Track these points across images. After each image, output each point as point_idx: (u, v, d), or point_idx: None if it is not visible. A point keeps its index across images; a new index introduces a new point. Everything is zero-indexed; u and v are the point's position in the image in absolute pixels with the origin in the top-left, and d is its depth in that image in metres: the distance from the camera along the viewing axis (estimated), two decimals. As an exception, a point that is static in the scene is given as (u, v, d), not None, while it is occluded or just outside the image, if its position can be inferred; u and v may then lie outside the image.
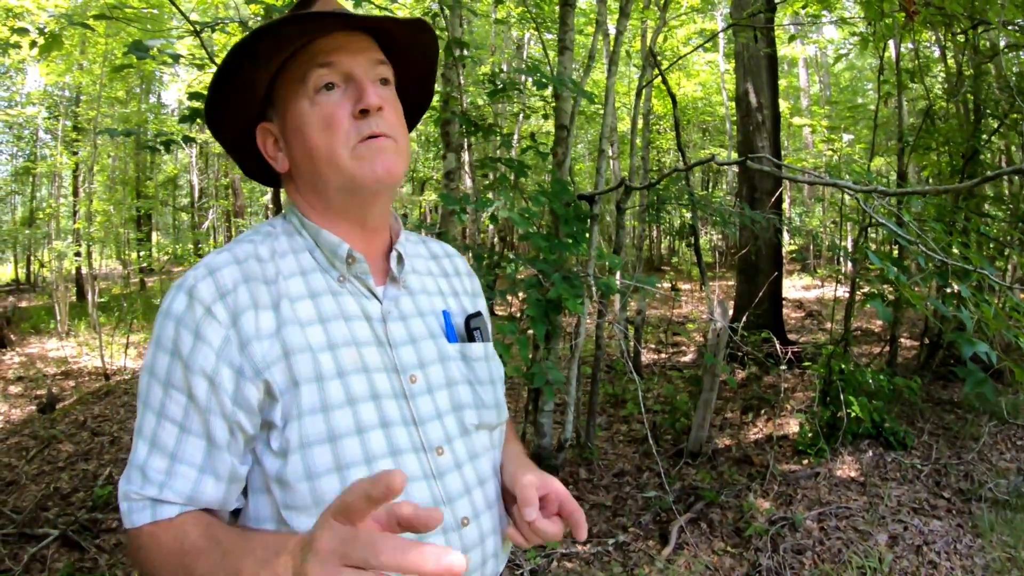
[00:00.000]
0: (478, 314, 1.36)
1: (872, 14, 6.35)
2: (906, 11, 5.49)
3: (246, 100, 1.21)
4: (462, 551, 1.14)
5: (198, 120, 3.95)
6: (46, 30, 4.42)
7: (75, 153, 16.01)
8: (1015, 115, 6.98)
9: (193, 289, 1.08)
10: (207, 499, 1.07)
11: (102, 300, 13.43)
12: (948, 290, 4.26)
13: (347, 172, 1.14)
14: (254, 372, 1.06)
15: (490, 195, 4.88)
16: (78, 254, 14.41)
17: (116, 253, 23.00)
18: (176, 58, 3.87)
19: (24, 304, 16.85)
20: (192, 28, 3.82)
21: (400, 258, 1.26)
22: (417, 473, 1.13)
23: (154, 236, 24.56)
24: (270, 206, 18.08)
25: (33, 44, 4.48)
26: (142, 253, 18.78)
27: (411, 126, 1.34)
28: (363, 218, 1.22)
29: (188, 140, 4.46)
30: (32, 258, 21.70)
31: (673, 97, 7.19)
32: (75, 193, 16.92)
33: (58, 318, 12.77)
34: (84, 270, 15.98)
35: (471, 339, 1.32)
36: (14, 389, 8.83)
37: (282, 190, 1.33)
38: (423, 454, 1.15)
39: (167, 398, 1.07)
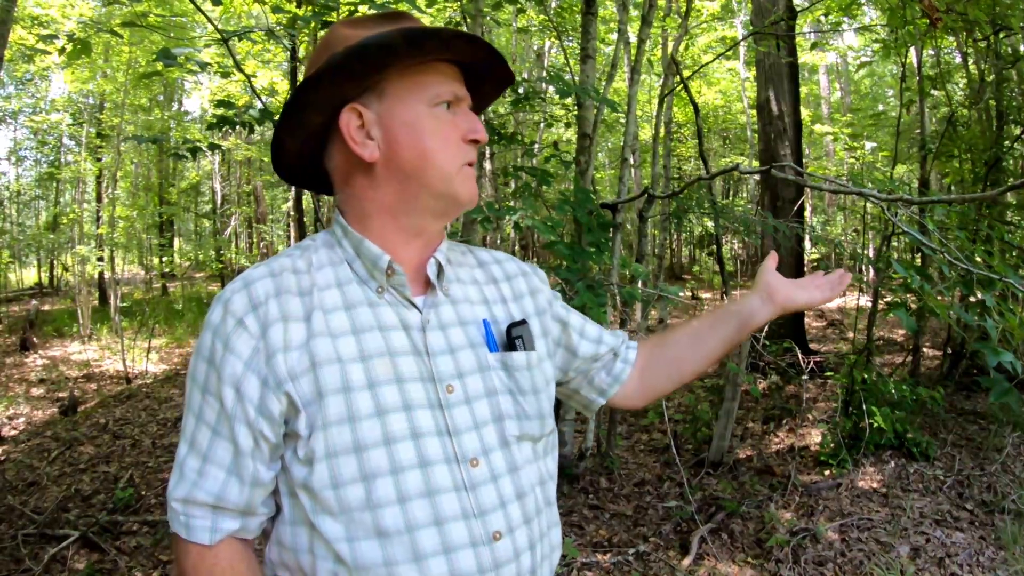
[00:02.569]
0: (522, 322, 1.32)
1: (895, 21, 6.31)
2: (929, 18, 5.44)
3: (353, 85, 1.18)
4: (493, 566, 1.13)
5: (226, 126, 3.98)
6: (73, 37, 4.49)
7: (99, 159, 16.18)
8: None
9: (228, 302, 1.14)
10: (233, 500, 1.13)
11: (124, 304, 13.53)
12: (972, 299, 4.23)
13: (452, 185, 1.20)
14: (276, 384, 1.10)
15: (512, 203, 4.88)
16: (101, 259, 14.54)
17: (138, 258, 23.28)
18: (203, 66, 3.91)
19: (47, 307, 17.00)
20: (221, 36, 3.85)
21: (440, 267, 1.25)
22: (447, 485, 1.12)
23: (176, 242, 24.74)
24: (291, 213, 18.16)
25: (61, 50, 4.55)
26: (164, 258, 18.96)
27: None
28: (434, 227, 1.27)
29: (213, 147, 4.50)
30: (55, 262, 21.86)
31: (695, 105, 7.17)
32: (98, 199, 17.11)
33: (80, 322, 12.89)
34: (107, 275, 16.13)
35: (512, 348, 1.28)
36: (36, 391, 8.93)
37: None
38: (455, 465, 1.14)
39: (204, 403, 1.13)
